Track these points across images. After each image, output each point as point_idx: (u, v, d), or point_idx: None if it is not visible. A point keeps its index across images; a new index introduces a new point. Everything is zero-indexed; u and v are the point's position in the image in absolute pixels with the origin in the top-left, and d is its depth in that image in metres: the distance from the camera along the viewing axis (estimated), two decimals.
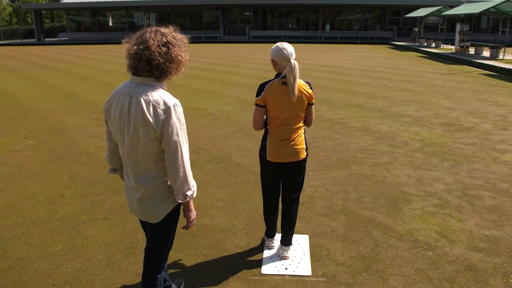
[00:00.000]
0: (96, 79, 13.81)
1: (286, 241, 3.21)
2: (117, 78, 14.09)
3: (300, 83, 2.84)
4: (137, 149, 2.07)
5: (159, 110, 1.98)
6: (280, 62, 2.78)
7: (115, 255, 3.29)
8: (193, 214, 2.26)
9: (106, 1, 40.09)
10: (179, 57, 2.06)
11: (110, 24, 44.12)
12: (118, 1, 39.98)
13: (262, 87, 2.83)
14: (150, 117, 1.97)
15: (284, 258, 3.20)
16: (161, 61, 1.99)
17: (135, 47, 2.00)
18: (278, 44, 2.81)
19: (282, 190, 3.16)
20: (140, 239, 3.52)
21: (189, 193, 2.13)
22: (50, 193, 4.54)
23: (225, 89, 11.50)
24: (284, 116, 2.84)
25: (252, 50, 27.22)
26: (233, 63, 18.49)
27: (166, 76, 2.09)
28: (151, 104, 1.98)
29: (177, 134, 2.02)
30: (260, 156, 3.04)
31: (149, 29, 2.05)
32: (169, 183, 2.15)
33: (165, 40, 2.01)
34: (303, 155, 2.95)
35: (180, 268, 3.12)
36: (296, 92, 2.77)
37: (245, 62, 18.93)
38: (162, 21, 40.53)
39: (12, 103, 9.88)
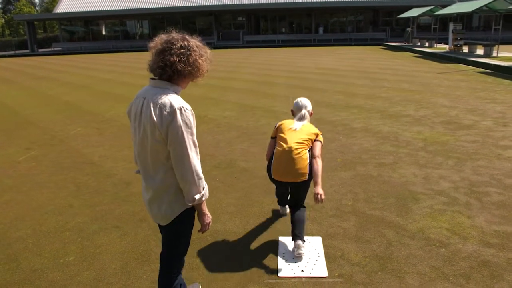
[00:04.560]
0: (93, 89, 13.78)
1: (297, 235, 3.24)
2: (114, 87, 14.08)
3: (308, 125, 3.42)
4: (146, 150, 2.14)
5: (165, 112, 2.03)
6: (296, 112, 3.51)
7: (130, 263, 3.28)
8: (207, 218, 2.26)
9: (99, 10, 40.06)
10: (197, 63, 2.13)
11: (103, 33, 44.09)
12: (111, 10, 39.95)
13: (275, 125, 3.53)
14: (156, 118, 2.04)
15: (298, 256, 3.21)
16: (176, 59, 2.06)
17: (159, 45, 2.11)
18: (298, 99, 3.54)
19: (289, 196, 3.56)
20: (153, 247, 3.51)
21: (197, 196, 2.12)
22: (58, 203, 4.52)
23: (224, 94, 11.52)
24: (287, 143, 3.27)
25: (247, 55, 27.28)
26: (230, 69, 18.52)
27: (180, 79, 2.15)
28: (158, 106, 2.05)
29: (183, 137, 2.04)
30: (267, 172, 3.43)
31: (174, 33, 2.16)
32: (177, 186, 2.16)
33: (186, 44, 2.11)
34: (304, 178, 3.23)
35: (196, 273, 3.12)
36: (300, 127, 3.35)
37: (241, 67, 18.96)
38: (155, 28, 40.58)
39: (11, 114, 9.84)
